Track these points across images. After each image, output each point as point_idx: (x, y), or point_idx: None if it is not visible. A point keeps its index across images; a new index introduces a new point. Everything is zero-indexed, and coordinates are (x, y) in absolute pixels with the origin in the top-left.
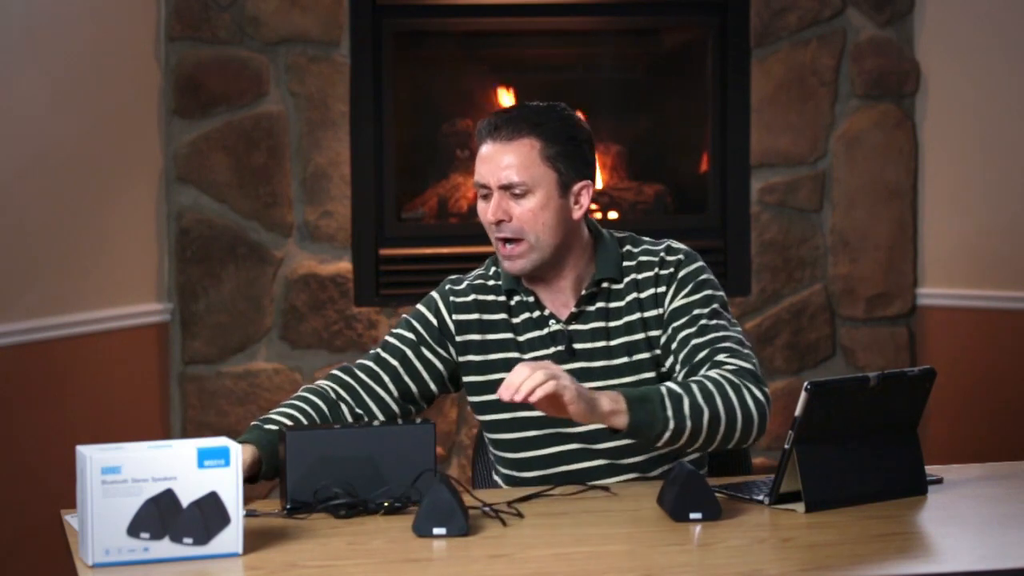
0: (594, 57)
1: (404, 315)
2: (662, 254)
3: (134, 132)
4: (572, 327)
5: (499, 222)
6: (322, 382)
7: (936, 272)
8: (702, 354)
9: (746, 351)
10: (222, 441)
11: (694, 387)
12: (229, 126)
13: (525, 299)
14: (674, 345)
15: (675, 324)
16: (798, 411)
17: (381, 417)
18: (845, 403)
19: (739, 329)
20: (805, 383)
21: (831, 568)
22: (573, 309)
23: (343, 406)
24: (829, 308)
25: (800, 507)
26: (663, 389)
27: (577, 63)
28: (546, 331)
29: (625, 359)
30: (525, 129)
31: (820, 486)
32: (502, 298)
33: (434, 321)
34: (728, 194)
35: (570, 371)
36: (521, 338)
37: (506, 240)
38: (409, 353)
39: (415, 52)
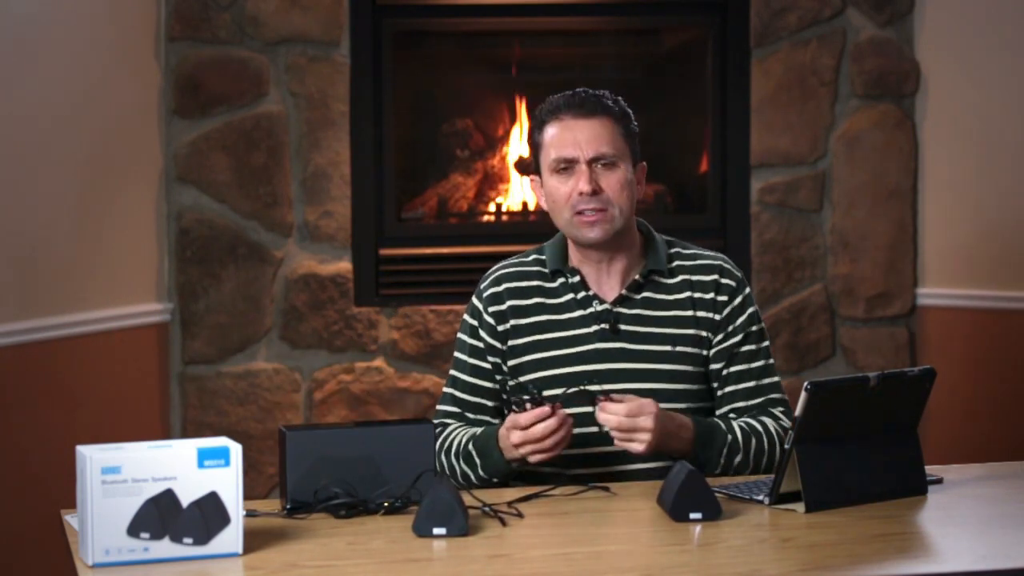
0: (594, 57)
1: (458, 333)
2: (721, 263)
3: (134, 132)
4: (617, 309)
5: (593, 192)
6: (451, 425)
7: (936, 272)
8: (758, 400)
9: (786, 398)
10: (222, 441)
11: (753, 444)
12: (229, 126)
13: (571, 280)
14: (727, 373)
15: (736, 351)
16: (798, 411)
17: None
18: (845, 403)
19: (772, 362)
20: (805, 383)
21: (831, 568)
22: (622, 292)
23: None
24: (829, 308)
25: (800, 507)
26: (730, 439)
27: (577, 63)
28: (590, 310)
29: (668, 347)
30: (600, 108)
31: (820, 486)
32: (536, 282)
33: (475, 323)
34: (728, 194)
35: (611, 350)
36: (562, 317)
37: (592, 209)
38: (479, 363)
39: (415, 52)
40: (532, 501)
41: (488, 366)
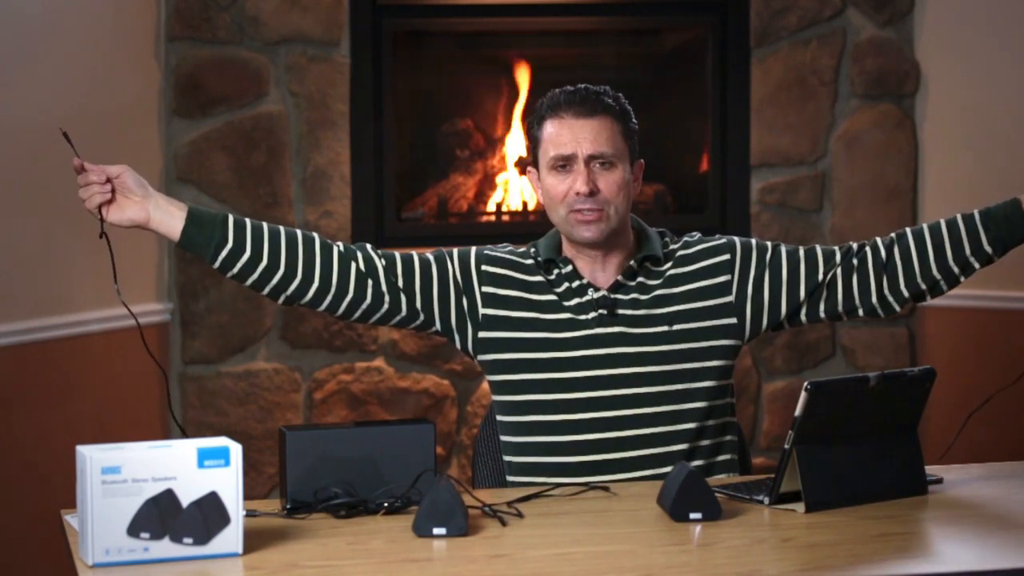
0: (594, 57)
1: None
2: (702, 247)
3: (134, 132)
4: (614, 295)
5: (590, 193)
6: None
7: None
8: (845, 250)
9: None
10: (222, 441)
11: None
12: (229, 126)
13: (563, 269)
14: (816, 281)
15: (793, 271)
16: (798, 411)
17: (383, 285)
18: (845, 403)
19: (796, 247)
20: (805, 383)
21: (831, 568)
22: (617, 279)
23: (359, 254)
24: None
25: (800, 507)
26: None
27: (577, 63)
28: (587, 298)
29: (664, 327)
30: (601, 107)
31: (820, 486)
32: (535, 278)
33: (457, 262)
34: (728, 194)
35: (610, 335)
36: (567, 303)
37: (588, 208)
38: (434, 267)
39: (415, 52)
40: (532, 501)
41: (433, 281)
